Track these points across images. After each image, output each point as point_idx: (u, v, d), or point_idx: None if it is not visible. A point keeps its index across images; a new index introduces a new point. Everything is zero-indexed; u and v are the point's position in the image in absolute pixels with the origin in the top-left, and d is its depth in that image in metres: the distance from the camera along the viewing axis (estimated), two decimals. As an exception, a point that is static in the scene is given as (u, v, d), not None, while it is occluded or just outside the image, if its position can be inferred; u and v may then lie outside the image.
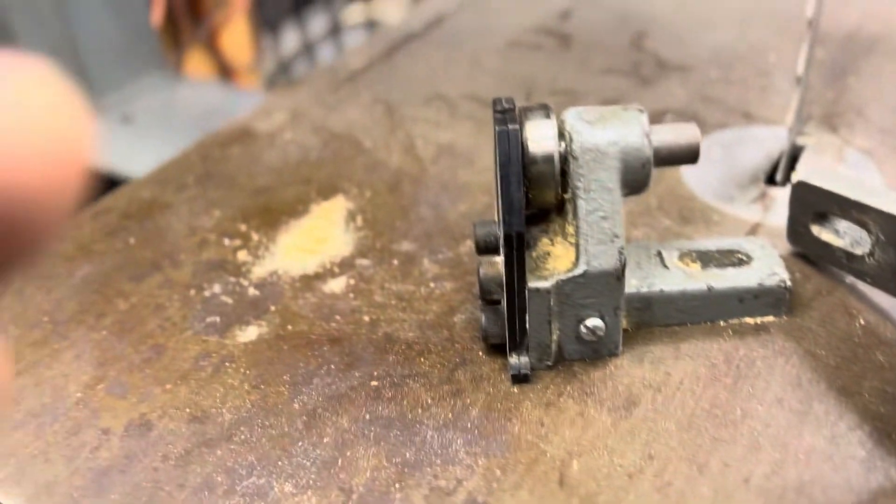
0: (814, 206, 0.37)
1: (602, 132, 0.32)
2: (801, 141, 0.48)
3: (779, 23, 0.63)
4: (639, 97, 0.55)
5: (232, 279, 0.41)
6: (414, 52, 0.65)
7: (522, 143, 0.31)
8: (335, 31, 2.58)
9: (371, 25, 2.31)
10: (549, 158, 0.31)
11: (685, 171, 0.47)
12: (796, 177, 0.44)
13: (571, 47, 0.63)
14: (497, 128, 0.30)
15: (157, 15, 1.54)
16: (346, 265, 0.41)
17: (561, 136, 0.32)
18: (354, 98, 0.58)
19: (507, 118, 0.31)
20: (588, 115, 0.33)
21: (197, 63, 1.72)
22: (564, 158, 0.32)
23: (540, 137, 0.32)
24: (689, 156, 0.33)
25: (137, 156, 0.82)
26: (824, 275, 0.38)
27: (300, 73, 2.49)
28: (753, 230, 0.42)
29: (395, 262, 0.42)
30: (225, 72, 1.81)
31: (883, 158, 0.46)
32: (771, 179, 0.46)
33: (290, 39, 2.48)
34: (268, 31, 2.29)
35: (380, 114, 0.56)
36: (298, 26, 2.49)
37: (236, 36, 1.85)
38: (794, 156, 0.46)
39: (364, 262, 0.42)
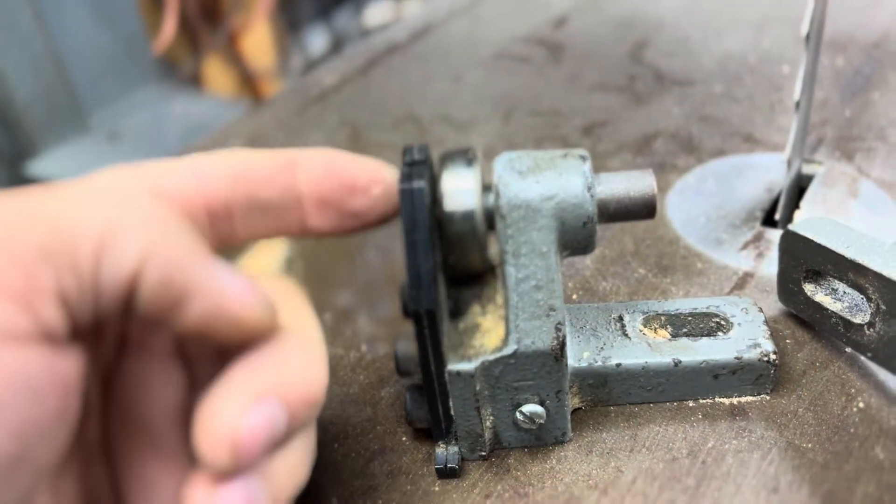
0: (806, 261, 0.31)
1: (535, 185, 0.27)
2: (808, 170, 0.42)
3: (796, 29, 0.57)
4: (630, 117, 0.49)
5: (149, 337, 0.37)
6: (393, 67, 0.60)
7: (437, 199, 0.26)
8: (363, 31, 2.54)
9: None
10: (468, 216, 0.26)
11: (671, 207, 0.41)
12: (797, 219, 0.38)
13: (562, 60, 0.58)
14: (400, 185, 0.25)
15: (167, 28, 1.52)
16: (274, 322, 0.37)
17: (489, 188, 0.27)
18: (320, 121, 0.54)
19: (413, 173, 0.25)
20: (521, 164, 0.27)
21: (216, 71, 1.70)
22: (491, 216, 0.27)
23: (457, 191, 0.26)
24: (644, 211, 0.28)
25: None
26: (820, 342, 0.32)
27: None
28: (742, 282, 0.36)
29: (328, 317, 0.37)
30: (246, 79, 1.79)
31: (904, 193, 0.40)
32: (770, 218, 0.40)
33: (316, 41, 2.46)
34: (293, 33, 2.27)
35: (343, 139, 0.51)
36: (326, 27, 2.46)
37: (258, 41, 1.82)
38: (799, 191, 0.40)
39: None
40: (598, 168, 0.44)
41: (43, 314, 0.18)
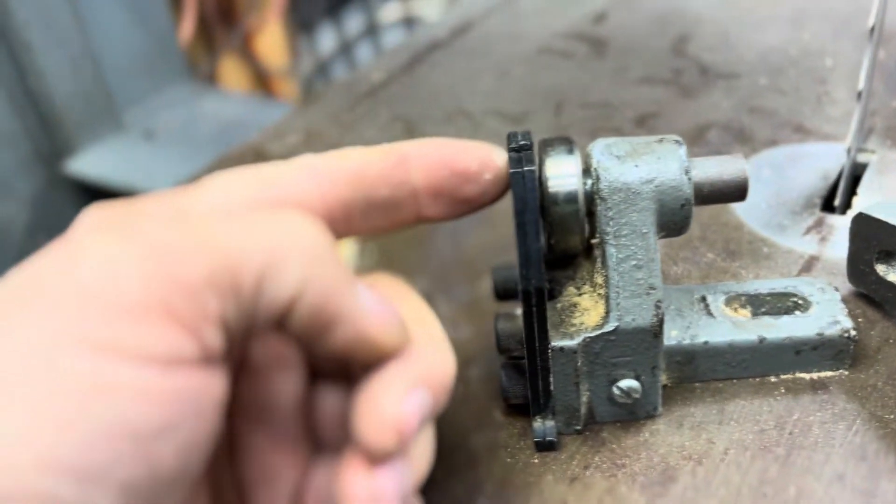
0: (878, 242, 0.32)
1: (634, 169, 0.28)
2: (861, 158, 0.43)
3: (836, 23, 0.58)
4: (680, 109, 0.51)
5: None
6: (437, 63, 0.61)
7: (542, 182, 0.28)
8: (373, 30, 2.55)
9: (409, 23, 2.28)
10: (572, 199, 0.28)
11: (731, 194, 0.42)
12: (857, 205, 0.39)
13: (606, 54, 0.59)
14: (511, 169, 0.26)
15: (185, 29, 1.53)
16: (355, 307, 0.38)
17: (587, 173, 0.29)
18: (372, 116, 0.55)
19: (523, 157, 0.27)
20: (618, 149, 0.29)
21: (231, 70, 1.71)
22: (591, 199, 0.28)
23: (561, 175, 0.28)
24: (736, 193, 0.29)
25: (159, 174, 0.80)
26: (891, 320, 0.33)
27: (338, 75, 2.47)
28: (809, 265, 0.37)
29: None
30: (261, 78, 1.80)
31: (957, 178, 0.41)
32: (828, 205, 0.41)
33: (326, 40, 2.47)
34: (304, 33, 2.28)
35: (398, 132, 0.53)
36: (335, 27, 2.47)
37: (271, 41, 1.83)
38: (854, 178, 0.41)
39: (375, 303, 0.38)
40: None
41: (207, 339, 0.20)
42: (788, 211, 0.41)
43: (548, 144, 0.29)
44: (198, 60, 1.69)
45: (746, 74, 0.54)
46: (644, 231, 0.28)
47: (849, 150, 0.39)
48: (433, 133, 0.52)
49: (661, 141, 0.29)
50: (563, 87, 0.55)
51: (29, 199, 0.83)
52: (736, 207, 0.41)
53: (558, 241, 0.29)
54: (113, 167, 0.82)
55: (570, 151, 0.28)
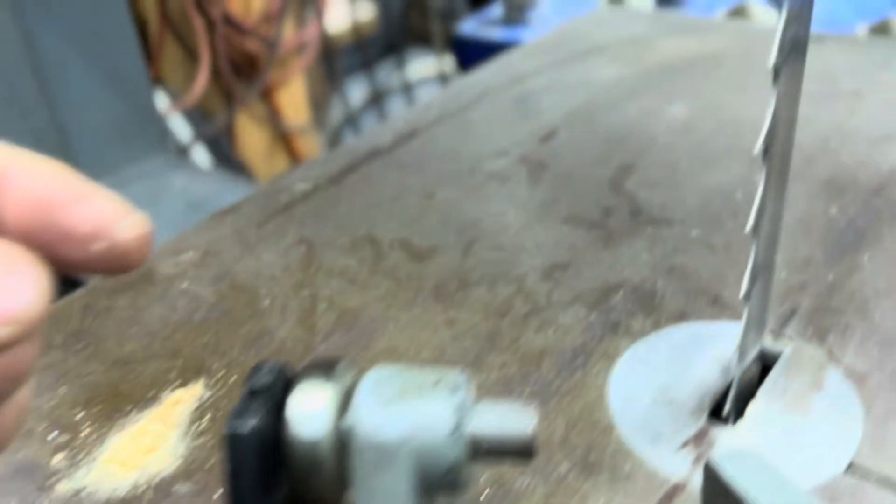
0: (726, 498, 0.27)
1: (395, 421, 0.24)
2: (776, 347, 0.38)
3: (802, 161, 0.53)
4: (594, 261, 0.46)
5: (33, 494, 0.35)
6: (368, 175, 0.58)
7: (284, 421, 0.24)
8: (406, 87, 2.56)
9: (443, 79, 2.27)
10: (312, 446, 0.23)
11: (614, 382, 0.37)
12: (748, 417, 0.34)
13: (541, 181, 0.55)
14: (226, 425, 0.22)
15: (199, 82, 1.53)
16: (162, 491, 0.34)
17: (346, 410, 0.24)
18: (279, 235, 0.52)
19: (249, 409, 0.23)
20: (388, 388, 0.24)
21: (249, 125, 1.72)
22: (343, 446, 0.24)
23: (304, 415, 0.24)
24: (520, 454, 0.24)
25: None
26: (744, 591, 0.28)
27: (367, 129, 2.47)
28: (670, 495, 0.32)
29: (221, 492, 0.34)
30: (280, 134, 1.80)
31: (875, 390, 0.36)
32: (719, 410, 0.36)
33: (357, 92, 2.47)
34: (333, 84, 2.29)
35: (296, 260, 0.49)
36: (367, 79, 2.48)
37: (293, 97, 1.84)
38: (751, 384, 0.36)
39: (185, 487, 0.34)
40: (550, 321, 0.41)
41: None
42: (672, 413, 0.36)
43: (305, 372, 0.25)
44: (214, 112, 1.71)
45: (679, 222, 0.49)
46: (400, 498, 0.24)
47: (740, 352, 0.34)
48: (332, 263, 0.48)
49: (437, 384, 0.24)
50: (482, 221, 0.51)
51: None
52: (613, 400, 0.36)
53: (303, 492, 0.24)
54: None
55: (328, 379, 0.24)
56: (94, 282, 0.49)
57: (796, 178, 0.51)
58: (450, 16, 2.38)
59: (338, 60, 2.23)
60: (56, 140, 0.82)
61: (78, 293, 0.48)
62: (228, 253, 0.51)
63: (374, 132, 0.64)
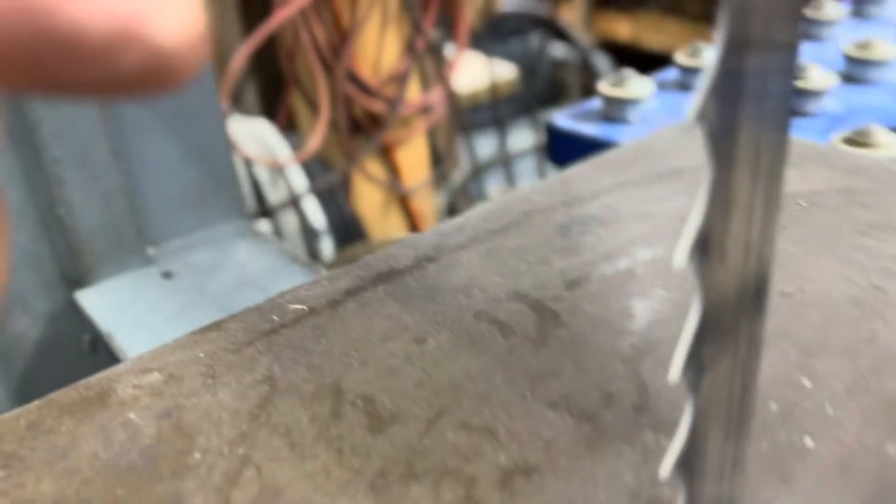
0: None
1: None
2: None
3: (845, 358, 0.42)
4: (568, 470, 0.38)
5: None
6: (367, 304, 0.53)
7: None
8: (538, 148, 2.50)
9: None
10: None
11: None
12: None
13: (547, 342, 0.47)
14: None
15: (316, 136, 1.56)
16: None
17: None
18: (249, 367, 0.48)
19: None
20: None
21: (366, 181, 1.73)
22: None
23: None
24: None
25: (150, 321, 0.79)
26: None
27: (494, 185, 2.44)
28: None
29: None
30: (397, 190, 1.80)
31: None
32: None
33: (486, 146, 2.44)
34: (463, 137, 2.27)
35: (251, 405, 0.45)
36: (498, 138, 2.45)
37: (413, 155, 1.84)
38: None
39: None
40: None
41: None
42: None
43: None
44: (335, 163, 1.73)
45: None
46: None
47: None
48: (281, 418, 0.43)
49: None
50: (462, 387, 0.44)
51: (43, 319, 0.85)
52: None
53: None
54: (123, 302, 0.82)
55: None
56: (51, 396, 0.47)
57: (835, 394, 0.41)
58: (589, 81, 2.31)
59: (466, 119, 2.22)
60: (125, 204, 0.84)
61: (33, 405, 0.46)
62: (189, 382, 0.47)
63: (398, 248, 0.59)
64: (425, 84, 1.86)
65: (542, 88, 2.70)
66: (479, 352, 0.47)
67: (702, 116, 0.18)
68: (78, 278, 0.86)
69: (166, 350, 0.51)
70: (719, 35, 0.17)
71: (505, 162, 2.40)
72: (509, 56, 2.52)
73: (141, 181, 0.88)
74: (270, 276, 0.85)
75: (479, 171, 2.30)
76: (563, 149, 0.96)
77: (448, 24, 1.87)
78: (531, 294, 0.52)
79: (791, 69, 0.19)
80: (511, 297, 0.52)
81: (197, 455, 0.42)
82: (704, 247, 0.20)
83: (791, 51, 0.19)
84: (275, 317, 0.53)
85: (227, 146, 0.95)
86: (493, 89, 2.25)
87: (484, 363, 0.46)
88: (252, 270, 0.86)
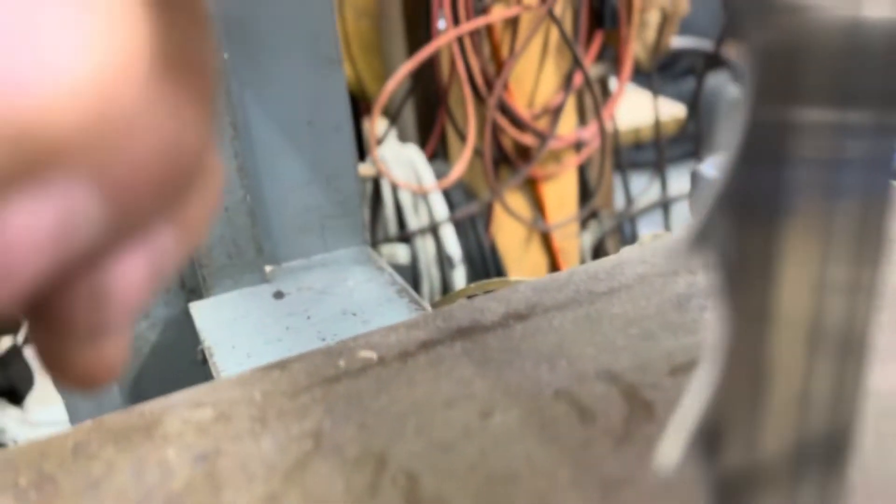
0: None
1: None
2: None
3: None
4: None
5: None
6: (441, 361, 0.48)
7: None
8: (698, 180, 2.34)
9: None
10: None
11: None
12: None
13: (633, 439, 0.40)
14: None
15: (459, 165, 1.54)
16: None
17: None
18: (299, 417, 0.44)
19: None
20: None
21: (505, 215, 1.68)
22: None
23: None
24: None
25: (252, 341, 0.78)
26: None
27: (486, 298, 2.31)
28: None
29: None
30: (539, 226, 1.74)
31: None
32: None
33: (643, 191, 2.33)
34: (621, 173, 2.17)
35: (289, 461, 0.41)
36: (658, 179, 2.33)
37: (562, 189, 1.77)
38: None
39: None
40: None
41: None
42: None
43: None
44: (479, 192, 1.70)
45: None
46: None
47: None
48: (319, 479, 0.39)
49: None
50: (521, 480, 0.38)
51: (161, 324, 0.87)
52: None
53: None
54: (219, 319, 0.82)
55: None
56: (105, 418, 0.46)
57: None
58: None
59: (625, 157, 2.12)
60: (246, 220, 0.84)
61: (86, 425, 0.45)
62: (237, 424, 0.44)
63: (487, 300, 0.54)
64: (583, 119, 1.79)
65: (714, 130, 2.54)
66: (549, 438, 0.41)
67: (702, 238, 0.12)
68: (196, 288, 0.87)
69: (227, 385, 0.48)
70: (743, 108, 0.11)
71: (664, 205, 2.27)
72: (679, 95, 2.38)
73: (264, 199, 0.88)
74: (375, 308, 0.82)
75: (634, 213, 2.18)
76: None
77: (613, 59, 1.79)
78: (625, 376, 0.45)
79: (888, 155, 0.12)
80: (601, 376, 0.45)
81: (219, 510, 0.38)
82: (712, 438, 0.14)
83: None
84: (341, 363, 0.49)
85: (355, 172, 0.94)
86: (657, 128, 2.13)
87: (551, 454, 0.40)
88: (358, 300, 0.83)
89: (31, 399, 1.69)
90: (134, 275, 0.15)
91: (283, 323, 0.80)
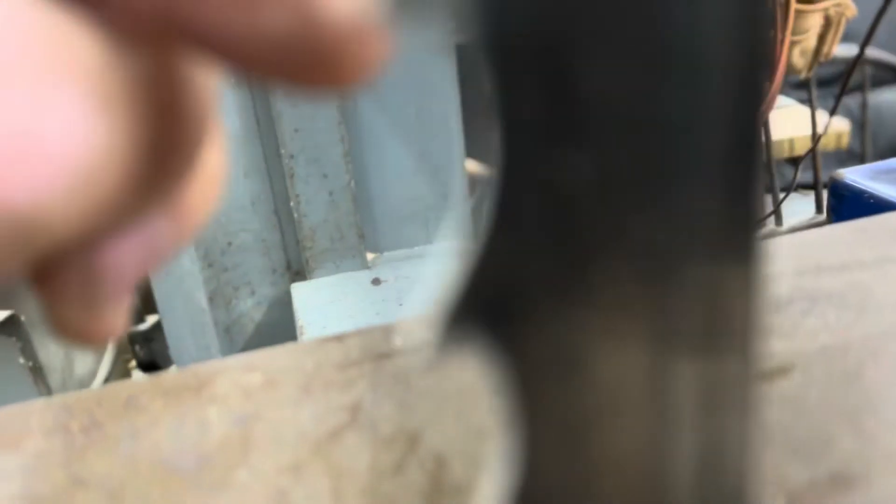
0: None
1: None
2: None
3: None
4: None
5: None
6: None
7: None
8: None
9: None
10: None
11: None
12: None
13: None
14: None
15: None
16: None
17: None
18: (343, 389, 0.43)
19: None
20: None
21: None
22: None
23: None
24: None
25: (341, 319, 0.79)
26: None
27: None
28: None
29: None
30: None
31: None
32: None
33: (799, 207, 2.16)
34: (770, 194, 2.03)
35: (321, 431, 0.39)
36: (815, 194, 2.16)
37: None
38: None
39: None
40: None
41: None
42: None
43: None
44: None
45: None
46: None
47: None
48: (347, 451, 0.37)
49: None
50: (555, 475, 0.34)
51: (266, 303, 0.90)
52: None
53: None
54: (316, 301, 0.83)
55: None
56: (162, 375, 0.46)
57: None
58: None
59: (775, 170, 1.96)
60: (350, 206, 0.85)
61: (143, 380, 0.46)
62: (283, 391, 0.43)
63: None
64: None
65: (885, 146, 2.31)
66: (599, 436, 0.36)
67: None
68: (300, 270, 0.88)
69: (283, 352, 0.48)
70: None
71: (818, 224, 2.09)
72: (844, 108, 2.19)
73: (369, 186, 0.88)
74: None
75: (782, 232, 2.03)
76: (852, 214, 0.78)
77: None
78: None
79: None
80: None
81: (243, 474, 0.37)
82: None
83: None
84: (398, 340, 0.47)
85: (461, 166, 0.92)
86: (814, 143, 1.96)
87: (597, 452, 0.35)
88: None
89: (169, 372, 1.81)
90: (127, 258, 0.15)
91: (374, 309, 0.79)
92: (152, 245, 0.16)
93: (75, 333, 0.16)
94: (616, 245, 0.10)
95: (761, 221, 0.12)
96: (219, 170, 0.17)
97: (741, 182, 0.10)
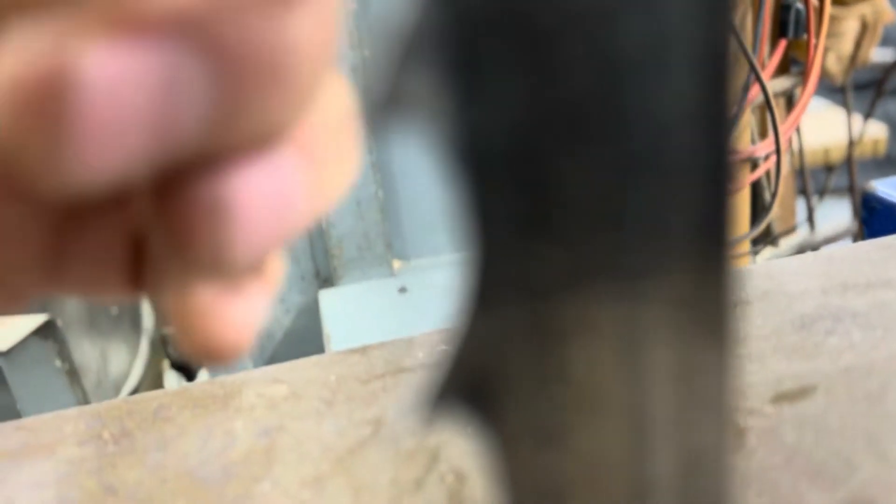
0: None
1: None
2: None
3: None
4: None
5: None
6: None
7: None
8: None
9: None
10: None
11: None
12: None
13: None
14: None
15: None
16: None
17: None
18: (366, 403, 0.43)
19: None
20: None
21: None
22: None
23: None
24: None
25: (364, 328, 0.80)
26: None
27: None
28: None
29: None
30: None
31: None
32: None
33: (836, 215, 2.13)
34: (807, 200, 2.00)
35: (343, 445, 0.40)
36: (850, 204, 2.12)
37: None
38: None
39: None
40: None
41: None
42: None
43: None
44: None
45: None
46: None
47: None
48: (367, 467, 0.38)
49: None
50: (573, 494, 0.34)
51: (295, 310, 0.91)
52: None
53: None
54: (343, 309, 0.84)
55: None
56: (190, 384, 0.48)
57: None
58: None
59: (812, 179, 1.93)
60: (378, 215, 0.86)
61: (172, 389, 0.47)
62: (307, 403, 0.44)
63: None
64: (765, 134, 1.66)
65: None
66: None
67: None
68: (328, 277, 0.90)
69: (307, 364, 0.48)
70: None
71: (853, 236, 2.05)
72: (884, 114, 2.14)
73: (396, 196, 0.89)
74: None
75: (817, 242, 1.99)
76: (884, 227, 0.77)
77: (802, 72, 1.65)
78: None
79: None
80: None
81: (266, 486, 0.38)
82: None
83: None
84: (420, 354, 0.47)
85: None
86: (850, 150, 1.93)
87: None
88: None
89: (201, 376, 1.84)
90: (256, 193, 0.13)
91: (400, 317, 0.80)
92: (283, 191, 0.13)
93: (208, 328, 0.14)
94: (589, 327, 0.11)
95: (734, 307, 0.12)
96: (347, 125, 0.15)
97: (712, 269, 0.10)
